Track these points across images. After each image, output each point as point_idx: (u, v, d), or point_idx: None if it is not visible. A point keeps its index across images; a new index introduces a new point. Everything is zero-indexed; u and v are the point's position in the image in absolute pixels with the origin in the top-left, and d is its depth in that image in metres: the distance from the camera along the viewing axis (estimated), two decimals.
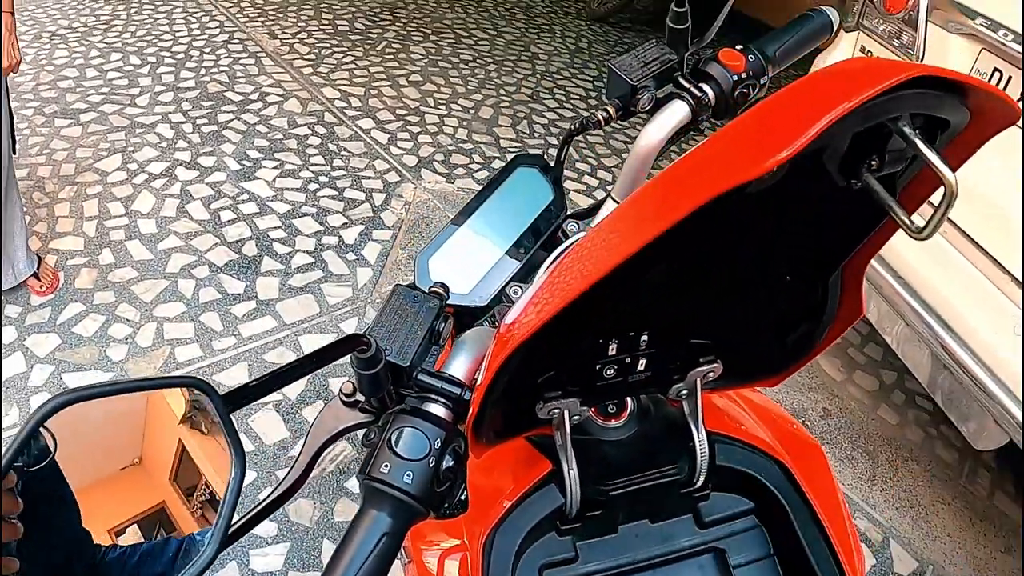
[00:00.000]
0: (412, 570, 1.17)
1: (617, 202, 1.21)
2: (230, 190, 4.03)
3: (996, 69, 2.44)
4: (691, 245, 0.76)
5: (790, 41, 1.26)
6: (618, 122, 1.21)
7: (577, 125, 1.21)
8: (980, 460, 3.13)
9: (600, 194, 4.36)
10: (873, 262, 2.55)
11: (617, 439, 1.09)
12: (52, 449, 0.62)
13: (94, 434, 0.67)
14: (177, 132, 4.46)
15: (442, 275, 1.10)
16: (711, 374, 1.01)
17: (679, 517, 1.10)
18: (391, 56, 5.68)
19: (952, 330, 2.51)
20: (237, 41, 5.59)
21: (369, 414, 0.88)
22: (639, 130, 1.17)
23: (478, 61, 5.82)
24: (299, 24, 5.99)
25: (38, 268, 3.26)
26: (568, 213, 1.24)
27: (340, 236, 3.82)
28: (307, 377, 2.55)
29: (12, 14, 2.71)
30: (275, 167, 4.25)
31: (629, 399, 1.11)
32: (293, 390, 2.96)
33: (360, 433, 0.88)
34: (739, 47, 1.20)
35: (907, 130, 0.65)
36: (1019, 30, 2.33)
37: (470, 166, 4.52)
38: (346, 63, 5.48)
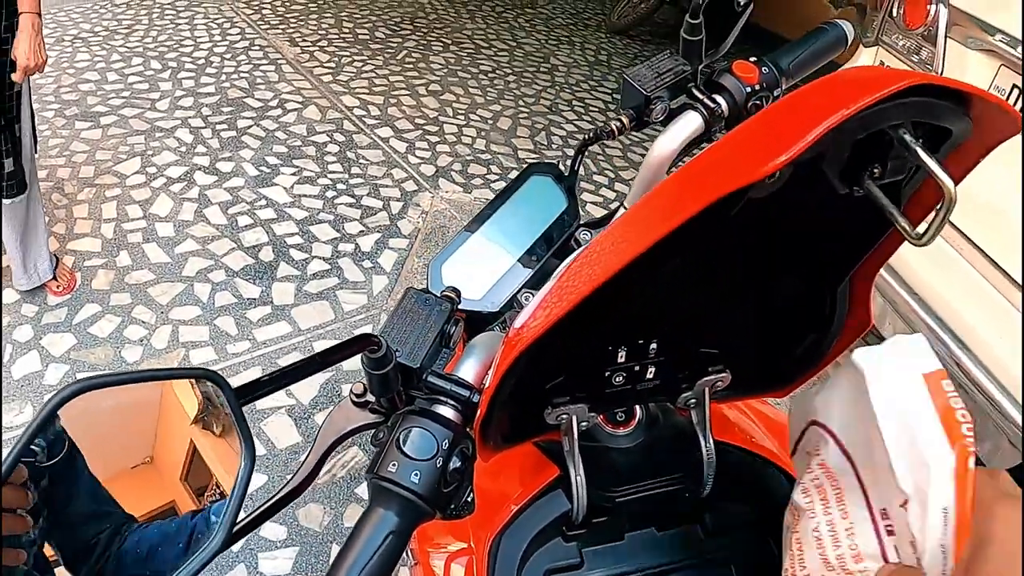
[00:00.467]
0: (418, 572, 1.17)
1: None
2: (248, 195, 4.04)
3: (1015, 86, 2.43)
4: (698, 250, 0.76)
5: (804, 54, 1.27)
6: (634, 133, 1.21)
7: (591, 135, 1.22)
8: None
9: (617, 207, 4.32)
10: (885, 274, 2.53)
11: (625, 446, 1.09)
12: (66, 440, 0.62)
13: (107, 431, 0.67)
14: (196, 137, 4.48)
15: (455, 281, 1.09)
16: (719, 383, 1.01)
17: (685, 526, 1.10)
18: (411, 65, 5.70)
19: (967, 348, 2.50)
20: (258, 48, 5.62)
21: (379, 415, 0.88)
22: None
23: (497, 72, 5.83)
24: (319, 32, 6.02)
25: (56, 268, 3.28)
26: (581, 222, 1.24)
27: (357, 243, 3.82)
28: (320, 383, 2.55)
29: (39, 15, 2.72)
30: (293, 173, 4.27)
31: (638, 407, 1.11)
32: (306, 395, 2.96)
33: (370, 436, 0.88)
34: (753, 59, 1.21)
35: (908, 138, 0.65)
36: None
37: (488, 176, 4.53)
38: (366, 71, 5.50)
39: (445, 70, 5.71)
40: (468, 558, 1.06)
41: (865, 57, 3.12)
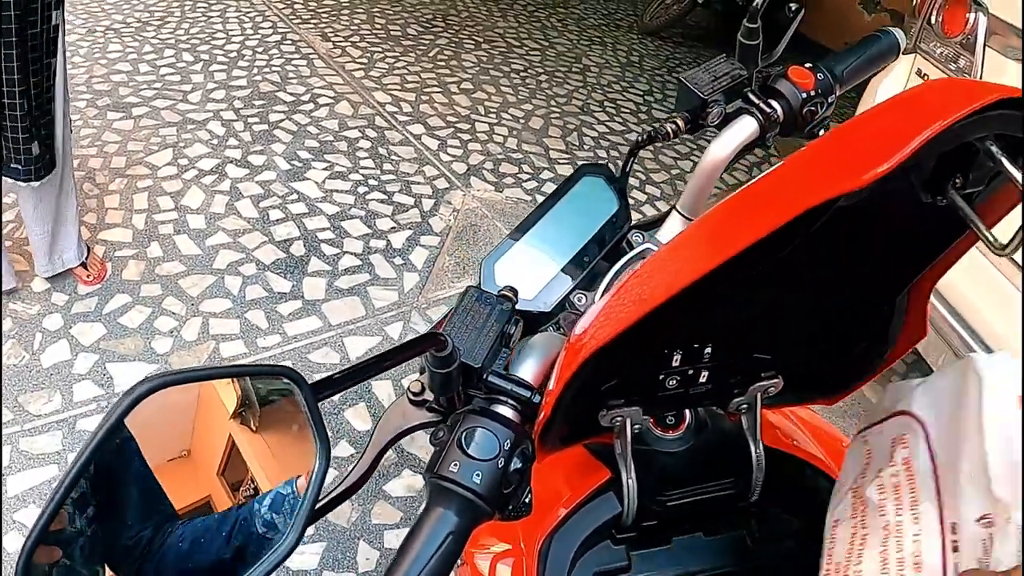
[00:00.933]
0: (465, 572, 1.17)
1: (682, 214, 1.20)
2: (279, 189, 4.03)
3: None
4: (768, 264, 0.75)
5: (858, 61, 1.26)
6: (687, 135, 1.20)
7: (645, 136, 1.21)
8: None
9: (648, 209, 4.34)
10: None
11: (675, 450, 1.09)
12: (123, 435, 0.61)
13: (145, 423, 0.64)
14: (228, 130, 4.47)
15: (507, 280, 1.09)
16: (771, 389, 1.01)
17: (733, 532, 1.10)
18: (443, 63, 5.69)
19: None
20: (290, 42, 5.62)
21: (436, 413, 0.89)
22: (689, 146, 1.17)
23: (529, 71, 5.81)
24: (352, 28, 6.02)
25: (87, 258, 3.28)
26: (633, 224, 1.22)
27: (388, 240, 3.81)
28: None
29: None
30: (325, 168, 4.25)
31: (688, 411, 1.11)
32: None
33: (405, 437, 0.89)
34: (808, 65, 1.20)
35: (994, 149, 0.65)
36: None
37: (519, 175, 4.51)
38: (398, 68, 5.49)
39: (477, 68, 5.70)
40: (514, 560, 1.06)
41: (902, 65, 3.10)
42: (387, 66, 5.49)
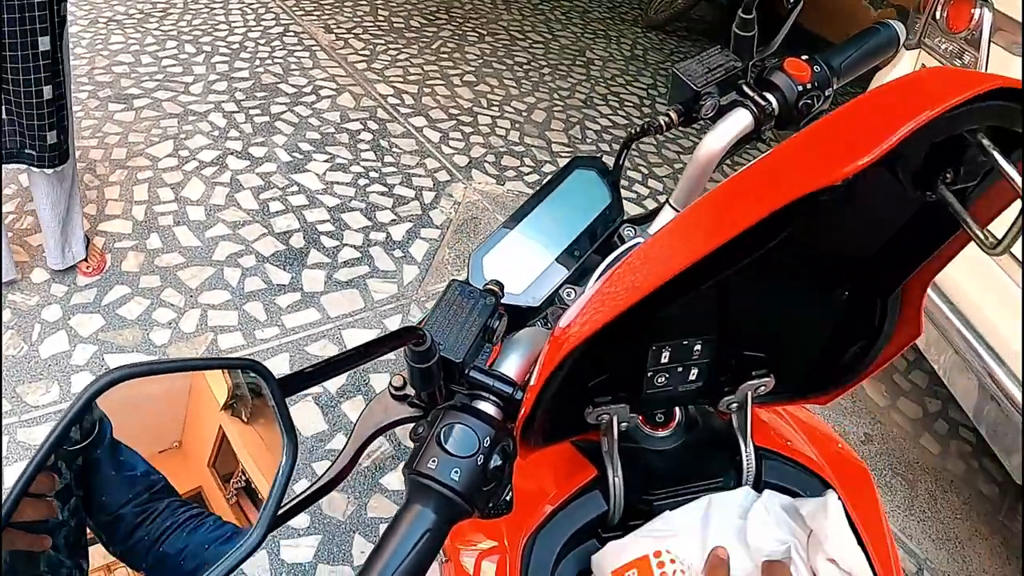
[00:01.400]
0: (449, 569, 1.16)
1: (676, 209, 1.20)
2: (280, 181, 4.02)
3: None
4: (756, 255, 0.74)
5: (856, 54, 1.25)
6: (679, 129, 1.19)
7: (638, 129, 1.20)
8: (1020, 496, 3.06)
9: (650, 203, 4.32)
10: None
11: (663, 448, 1.08)
12: (97, 423, 0.61)
13: (136, 414, 0.65)
14: (229, 121, 4.47)
15: (496, 274, 1.08)
16: (762, 388, 1.00)
17: None
18: (445, 55, 5.68)
19: (1001, 360, 2.45)
20: (292, 34, 5.61)
21: (418, 408, 0.88)
22: (693, 140, 1.16)
23: (532, 64, 5.79)
24: (354, 20, 6.00)
25: (87, 249, 3.27)
26: (625, 218, 1.22)
27: (388, 232, 3.80)
28: (348, 372, 2.52)
29: None
30: (326, 160, 4.24)
31: (677, 409, 1.10)
32: (334, 384, 2.94)
33: (398, 429, 0.89)
34: (804, 57, 1.19)
35: (986, 143, 0.64)
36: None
37: (521, 169, 4.50)
38: (400, 60, 5.48)
39: (480, 61, 5.69)
40: (500, 556, 1.05)
41: (906, 60, 3.08)
42: (390, 58, 5.48)
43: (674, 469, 1.05)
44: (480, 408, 0.81)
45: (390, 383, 0.89)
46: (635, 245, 1.14)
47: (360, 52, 5.50)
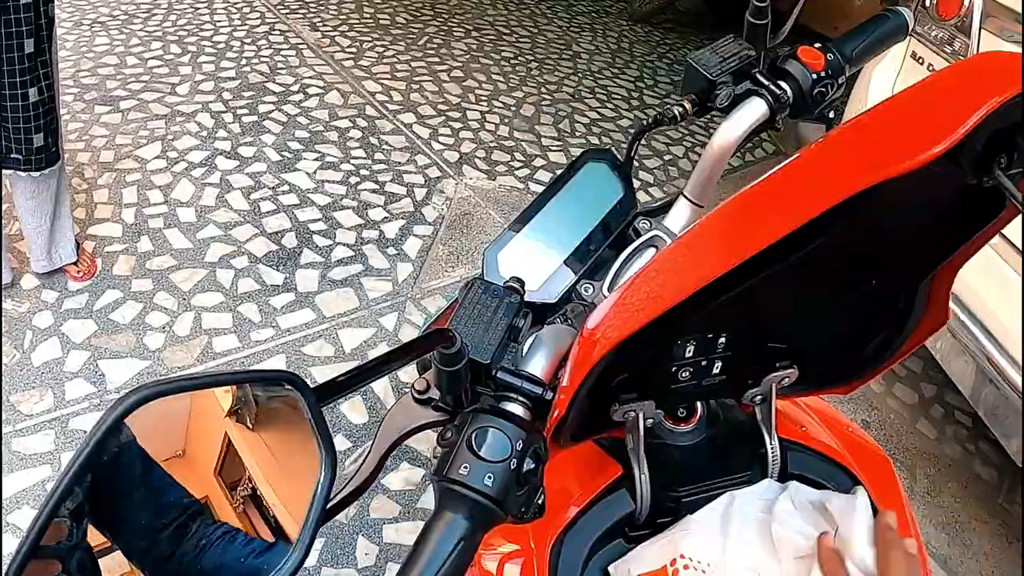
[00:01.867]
0: (473, 573, 1.13)
1: (689, 199, 1.18)
2: (270, 181, 4.00)
3: None
4: (797, 257, 0.73)
5: (867, 41, 1.25)
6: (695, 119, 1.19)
7: (651, 120, 1.20)
8: (1018, 479, 3.07)
9: (642, 196, 4.29)
10: None
11: (687, 443, 1.07)
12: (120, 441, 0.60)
13: (137, 423, 0.62)
14: (217, 121, 4.43)
15: (511, 270, 1.07)
16: (786, 380, 1.00)
17: None
18: (432, 51, 5.65)
19: (998, 342, 2.45)
20: (278, 32, 5.57)
21: (443, 412, 0.86)
22: (680, 131, 1.15)
23: (520, 59, 5.78)
24: (340, 17, 5.97)
25: (76, 253, 3.24)
26: (638, 210, 1.21)
27: (381, 230, 3.78)
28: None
29: None
30: (316, 159, 4.22)
31: (699, 403, 1.09)
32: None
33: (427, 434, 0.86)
34: (817, 45, 1.18)
35: None
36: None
37: (511, 163, 4.48)
38: (387, 57, 5.45)
39: (467, 56, 5.66)
40: (524, 559, 1.04)
41: (896, 48, 3.07)
42: (376, 55, 5.45)
43: (699, 464, 1.04)
44: (510, 410, 0.80)
45: (412, 386, 0.87)
46: (651, 238, 1.13)
47: (347, 49, 5.47)
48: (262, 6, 5.96)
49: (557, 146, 4.71)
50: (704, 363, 0.95)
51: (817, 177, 0.64)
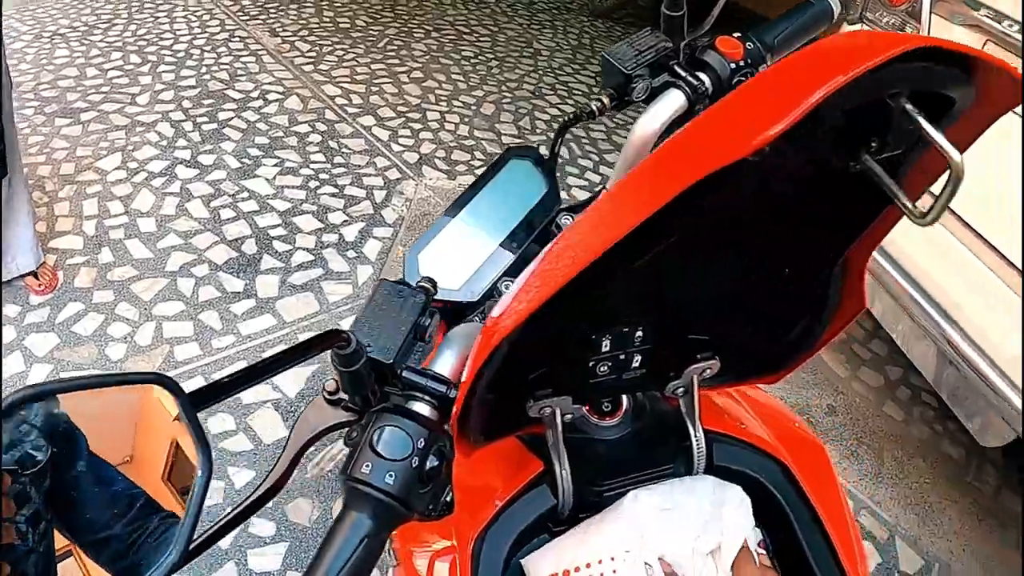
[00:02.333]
0: (400, 573, 1.16)
1: None
2: (230, 188, 4.00)
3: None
4: (683, 231, 0.74)
5: (789, 29, 1.24)
6: (620, 115, 1.20)
7: (571, 116, 1.20)
8: (986, 457, 3.10)
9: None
10: (877, 256, 2.51)
11: (612, 438, 1.08)
12: (46, 445, 0.61)
13: (85, 428, 0.65)
14: (177, 130, 4.43)
15: (432, 271, 1.07)
16: (708, 371, 1.00)
17: None
18: (392, 53, 5.65)
19: (957, 325, 2.49)
20: (238, 39, 5.57)
21: (352, 412, 0.85)
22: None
23: (480, 58, 5.78)
24: (300, 22, 5.96)
25: (38, 267, 3.25)
26: (562, 206, 1.22)
27: (340, 233, 3.79)
28: (307, 375, 2.50)
29: None
30: (275, 165, 4.23)
31: (624, 397, 1.09)
32: (292, 388, 2.94)
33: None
34: (737, 35, 1.18)
35: (908, 107, 0.62)
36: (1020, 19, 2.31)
37: (471, 163, 4.50)
38: (347, 60, 5.46)
39: (427, 57, 5.67)
40: (453, 556, 1.04)
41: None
42: (336, 59, 5.45)
43: (624, 458, 1.05)
44: (413, 409, 0.80)
45: (324, 387, 0.86)
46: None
47: (307, 54, 5.47)
48: (222, 13, 5.94)
49: (518, 143, 4.65)
50: (623, 357, 0.95)
51: (687, 152, 0.64)
